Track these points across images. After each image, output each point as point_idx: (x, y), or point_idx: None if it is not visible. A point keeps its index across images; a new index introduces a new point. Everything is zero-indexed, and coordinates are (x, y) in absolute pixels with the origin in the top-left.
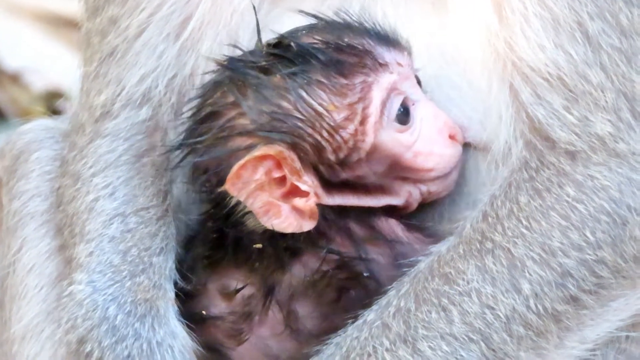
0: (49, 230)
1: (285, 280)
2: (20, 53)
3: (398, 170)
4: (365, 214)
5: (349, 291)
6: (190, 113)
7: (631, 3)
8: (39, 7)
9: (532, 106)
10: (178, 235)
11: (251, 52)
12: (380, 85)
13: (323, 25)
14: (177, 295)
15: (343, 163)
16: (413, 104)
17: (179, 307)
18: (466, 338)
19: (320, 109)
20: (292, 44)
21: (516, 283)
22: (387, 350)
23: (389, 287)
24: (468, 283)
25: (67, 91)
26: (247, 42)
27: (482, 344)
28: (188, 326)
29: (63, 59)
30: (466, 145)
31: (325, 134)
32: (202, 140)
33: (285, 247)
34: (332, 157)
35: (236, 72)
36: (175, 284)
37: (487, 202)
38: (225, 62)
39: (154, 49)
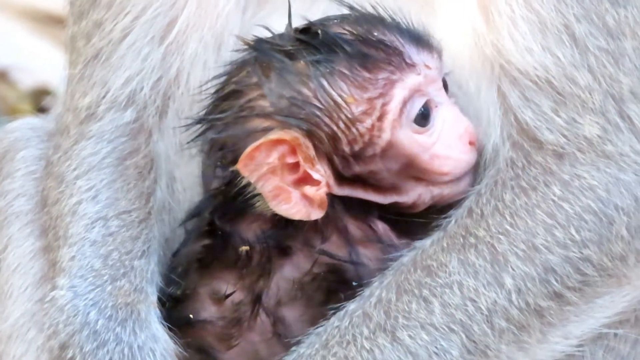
0: (34, 230)
1: (272, 286)
2: (7, 50)
3: (412, 171)
4: (364, 214)
5: (338, 294)
6: (214, 89)
7: (617, 4)
8: (27, 5)
9: (520, 109)
10: (161, 236)
11: (280, 36)
12: (405, 84)
13: (355, 16)
14: (165, 298)
15: (357, 156)
16: (436, 107)
17: (164, 310)
18: (446, 329)
19: (339, 99)
20: (320, 31)
21: (499, 277)
22: (366, 338)
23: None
24: (450, 275)
25: (54, 89)
26: (233, 44)
27: (463, 335)
28: (172, 329)
29: (51, 57)
30: None
31: (342, 125)
32: (222, 117)
33: (276, 246)
34: (346, 149)
35: (262, 54)
36: (163, 289)
37: (472, 199)
38: (253, 43)
39: (139, 51)
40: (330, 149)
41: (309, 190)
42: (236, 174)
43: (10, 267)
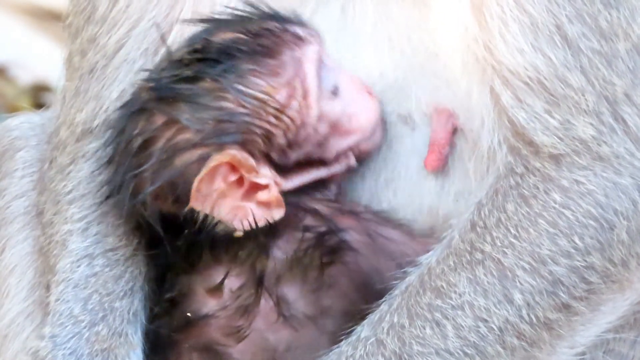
0: (32, 231)
1: (269, 265)
2: (6, 47)
3: (338, 137)
4: (321, 190)
5: (330, 266)
6: (114, 155)
7: (610, 5)
8: (26, 1)
9: (513, 109)
10: (152, 270)
11: (165, 68)
12: (308, 57)
13: (226, 21)
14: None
15: (293, 143)
16: (334, 70)
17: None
18: (461, 353)
19: (261, 95)
20: (211, 44)
21: (508, 294)
22: None
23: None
24: (460, 296)
25: (53, 85)
26: None
27: (477, 358)
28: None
29: (49, 53)
30: (456, 132)
31: (272, 119)
32: (146, 169)
33: (263, 231)
34: (282, 141)
35: (163, 91)
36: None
37: (474, 211)
38: (150, 85)
39: (133, 64)
40: (267, 148)
41: (261, 196)
42: (192, 213)
43: (8, 267)
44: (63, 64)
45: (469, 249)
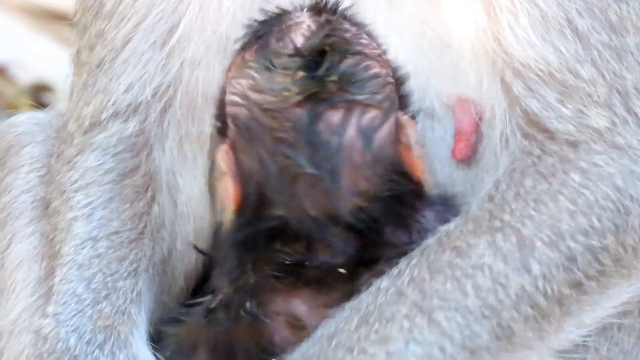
0: (38, 226)
1: None
2: (6, 46)
3: None
4: None
5: None
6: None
7: (620, 0)
8: (25, 1)
9: (525, 99)
10: (157, 255)
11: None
12: None
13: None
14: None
15: None
16: None
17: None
18: (479, 313)
19: None
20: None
21: (526, 263)
22: (405, 317)
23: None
24: (480, 258)
25: (53, 84)
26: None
27: (494, 320)
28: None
29: (50, 53)
30: (482, 119)
31: None
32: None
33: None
34: None
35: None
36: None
37: (492, 187)
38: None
39: (140, 57)
40: None
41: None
42: None
43: (14, 262)
44: (70, 60)
45: (487, 217)
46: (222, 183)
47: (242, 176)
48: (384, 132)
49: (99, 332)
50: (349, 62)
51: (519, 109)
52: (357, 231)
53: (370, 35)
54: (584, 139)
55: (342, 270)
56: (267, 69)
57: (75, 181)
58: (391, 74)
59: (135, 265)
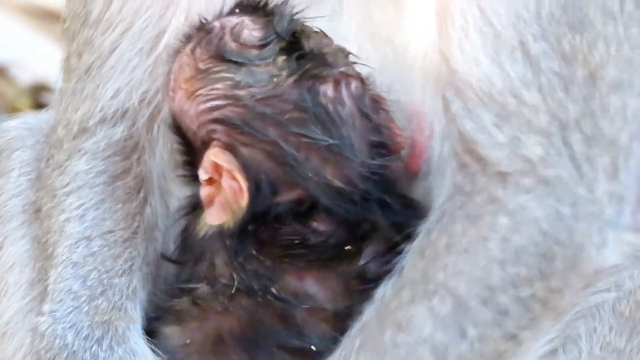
0: (29, 230)
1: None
2: (6, 46)
3: None
4: None
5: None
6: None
7: (575, 29)
8: (25, 1)
9: (461, 119)
10: (151, 254)
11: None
12: None
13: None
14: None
15: None
16: None
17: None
18: None
19: None
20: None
21: (462, 328)
22: None
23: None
24: (421, 331)
25: (53, 85)
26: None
27: None
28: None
29: (49, 53)
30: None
31: None
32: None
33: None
34: None
35: None
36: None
37: (423, 237)
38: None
39: (128, 63)
40: None
41: None
42: None
43: (6, 265)
44: (60, 66)
45: (422, 279)
46: (226, 182)
47: (248, 170)
48: (368, 99)
49: (97, 327)
50: (314, 39)
51: (456, 129)
52: (369, 200)
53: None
54: (514, 170)
55: (348, 247)
56: (241, 64)
57: (67, 184)
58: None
59: (129, 263)
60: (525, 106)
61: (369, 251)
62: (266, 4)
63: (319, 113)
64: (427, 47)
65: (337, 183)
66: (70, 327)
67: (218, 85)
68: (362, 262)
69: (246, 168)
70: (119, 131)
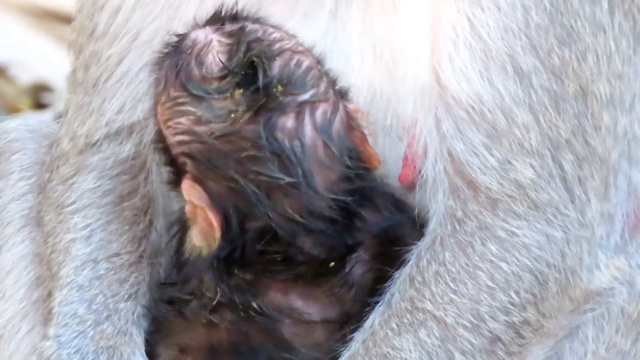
0: (29, 233)
1: None
2: (6, 46)
3: None
4: None
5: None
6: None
7: (564, 42)
8: (25, 1)
9: (452, 139)
10: (153, 279)
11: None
12: None
13: None
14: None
15: None
16: None
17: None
18: None
19: None
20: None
21: (451, 355)
22: None
23: None
24: None
25: (53, 84)
26: None
27: None
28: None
29: (49, 53)
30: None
31: None
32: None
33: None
34: None
35: None
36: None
37: (413, 264)
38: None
39: (134, 77)
40: None
41: None
42: None
43: (4, 269)
44: (67, 79)
45: (409, 307)
46: (200, 216)
47: (217, 203)
48: (338, 124)
49: (102, 352)
50: (279, 63)
51: (446, 149)
52: (337, 222)
53: (278, 28)
54: (504, 196)
55: (332, 264)
56: (202, 98)
57: (73, 203)
58: (318, 61)
59: (135, 288)
60: (516, 126)
61: (354, 262)
62: (236, 17)
63: (275, 150)
64: (416, 62)
65: (298, 218)
66: (75, 352)
67: (182, 120)
68: (346, 271)
69: (215, 201)
70: (126, 149)
